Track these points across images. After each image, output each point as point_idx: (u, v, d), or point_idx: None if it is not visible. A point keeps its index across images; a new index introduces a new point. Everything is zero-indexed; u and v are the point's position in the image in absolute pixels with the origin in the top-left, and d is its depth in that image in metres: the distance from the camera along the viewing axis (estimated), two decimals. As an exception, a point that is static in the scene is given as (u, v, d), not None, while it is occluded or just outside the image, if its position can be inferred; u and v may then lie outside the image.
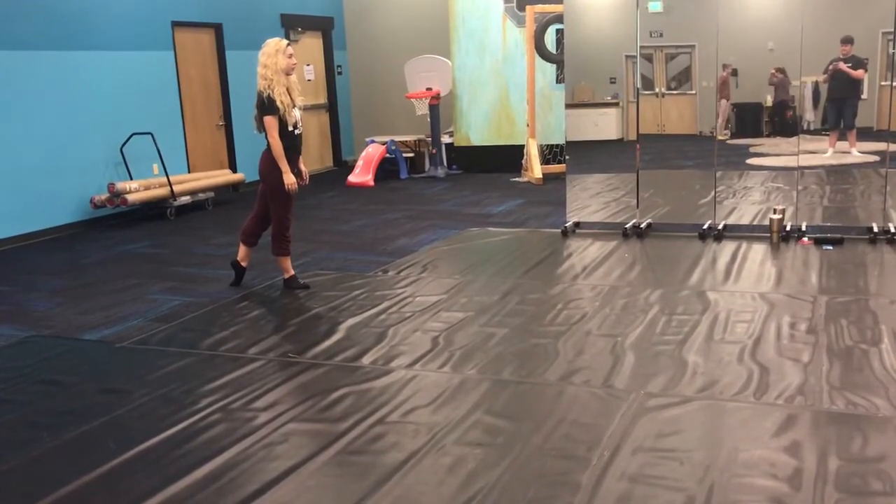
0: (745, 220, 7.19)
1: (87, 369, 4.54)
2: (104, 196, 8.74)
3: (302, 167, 5.79)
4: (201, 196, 9.68)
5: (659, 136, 7.69)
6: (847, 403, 3.55)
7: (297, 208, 6.14)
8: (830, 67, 6.92)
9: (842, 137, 7.10)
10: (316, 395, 3.94)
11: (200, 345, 4.78)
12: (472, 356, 4.36)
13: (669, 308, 5.01)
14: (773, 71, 7.05)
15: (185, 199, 9.41)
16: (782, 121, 7.21)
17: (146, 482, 3.15)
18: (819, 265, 5.91)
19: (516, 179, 10.88)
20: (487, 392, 3.88)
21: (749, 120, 7.42)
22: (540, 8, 10.31)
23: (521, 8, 10.88)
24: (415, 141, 12.37)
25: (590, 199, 7.86)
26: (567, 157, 7.89)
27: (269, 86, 5.45)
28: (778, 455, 3.12)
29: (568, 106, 7.85)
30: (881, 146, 6.83)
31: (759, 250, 6.42)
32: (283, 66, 5.48)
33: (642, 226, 7.22)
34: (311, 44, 12.83)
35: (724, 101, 7.25)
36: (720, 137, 7.26)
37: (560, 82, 10.33)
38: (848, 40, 6.82)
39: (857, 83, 6.93)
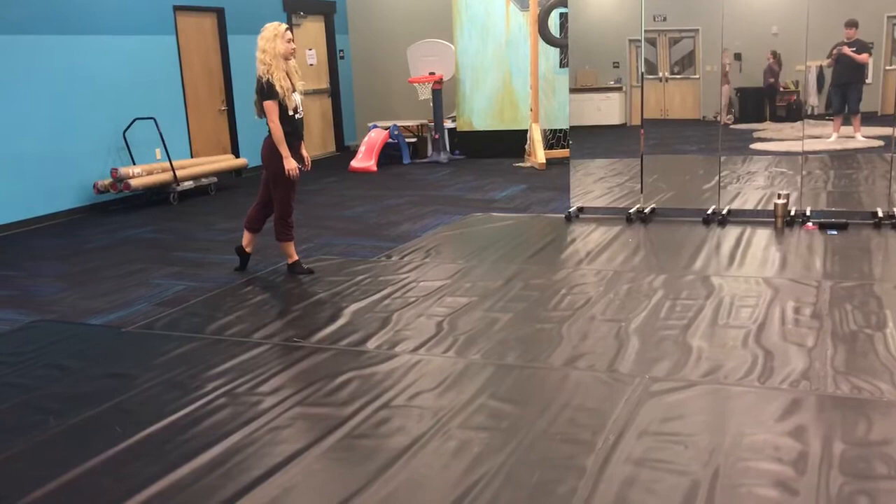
0: (750, 205, 7.17)
1: (92, 354, 4.55)
2: (107, 181, 8.74)
3: (304, 153, 5.79)
4: (204, 181, 9.68)
5: (662, 120, 7.66)
6: (852, 388, 3.56)
7: (300, 194, 6.14)
8: (834, 52, 6.89)
9: (846, 122, 7.07)
10: (321, 379, 3.94)
11: (205, 329, 4.79)
12: (476, 341, 4.36)
13: (674, 293, 5.01)
14: (769, 54, 7.04)
15: (188, 184, 9.41)
16: (771, 105, 7.22)
17: (152, 466, 3.16)
18: (823, 250, 5.90)
19: (519, 164, 10.86)
20: (492, 377, 3.88)
21: (753, 105, 7.39)
22: (543, -8, 10.26)
23: (525, -8, 10.84)
24: (417, 126, 12.34)
25: (593, 184, 7.85)
26: (570, 142, 7.87)
27: (268, 70, 5.43)
28: (783, 439, 3.12)
29: (571, 90, 7.82)
30: (886, 131, 6.80)
31: (763, 235, 6.41)
32: (281, 51, 5.45)
33: (646, 211, 7.21)
34: (314, 28, 12.78)
35: (725, 87, 7.22)
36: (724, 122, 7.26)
37: (563, 67, 10.30)
38: (852, 24, 6.79)
39: (862, 67, 6.90)
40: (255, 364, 4.19)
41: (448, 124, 11.90)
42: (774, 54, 7.05)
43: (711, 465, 2.95)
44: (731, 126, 7.33)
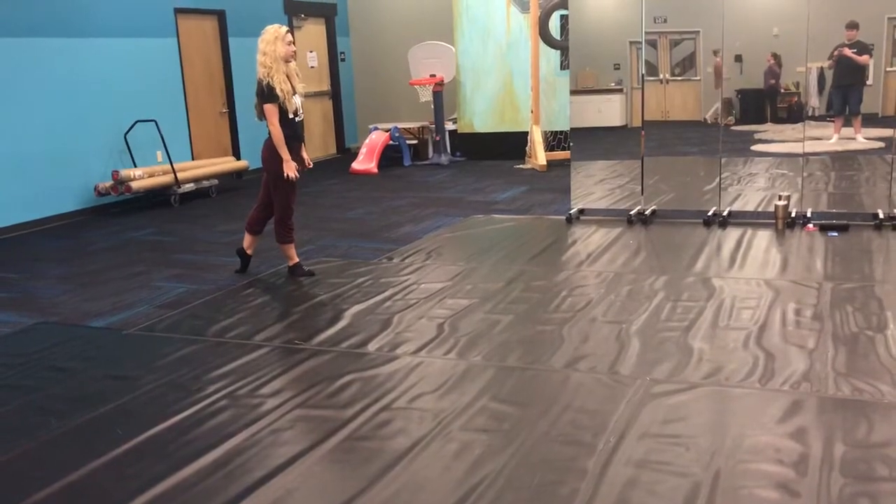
0: (750, 207, 7.18)
1: (94, 356, 4.55)
2: (108, 184, 8.75)
3: (304, 155, 5.79)
4: (205, 183, 9.69)
5: (663, 122, 7.67)
6: (852, 389, 3.56)
7: (301, 196, 6.15)
8: (835, 53, 6.89)
9: (847, 124, 7.08)
10: (322, 381, 3.95)
11: (207, 332, 4.80)
12: (477, 343, 4.37)
13: (674, 294, 5.02)
14: (769, 56, 7.06)
15: (189, 186, 9.42)
16: (772, 106, 7.24)
17: (154, 468, 3.17)
18: (824, 251, 5.90)
19: (520, 166, 10.87)
20: (493, 378, 3.89)
21: (754, 106, 7.40)
22: (544, -6, 10.27)
23: (525, -6, 10.85)
24: (418, 128, 12.35)
25: (594, 185, 7.86)
26: (571, 144, 7.88)
27: (268, 73, 5.43)
28: (783, 441, 3.12)
29: (572, 92, 7.83)
30: (886, 132, 6.81)
31: (764, 237, 6.41)
32: (282, 54, 5.45)
33: (647, 212, 7.22)
34: (314, 30, 12.80)
35: (718, 90, 7.23)
36: (709, 122, 7.30)
37: (564, 69, 10.31)
38: (853, 25, 6.80)
39: (862, 69, 6.91)
40: (257, 366, 4.19)
41: (449, 126, 11.91)
42: (774, 56, 7.06)
43: (712, 467, 2.95)
44: (732, 127, 7.34)
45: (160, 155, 9.43)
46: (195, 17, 10.33)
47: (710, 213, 7.00)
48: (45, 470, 3.21)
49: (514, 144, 11.18)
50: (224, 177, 10.19)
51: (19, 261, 6.93)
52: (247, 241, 6.03)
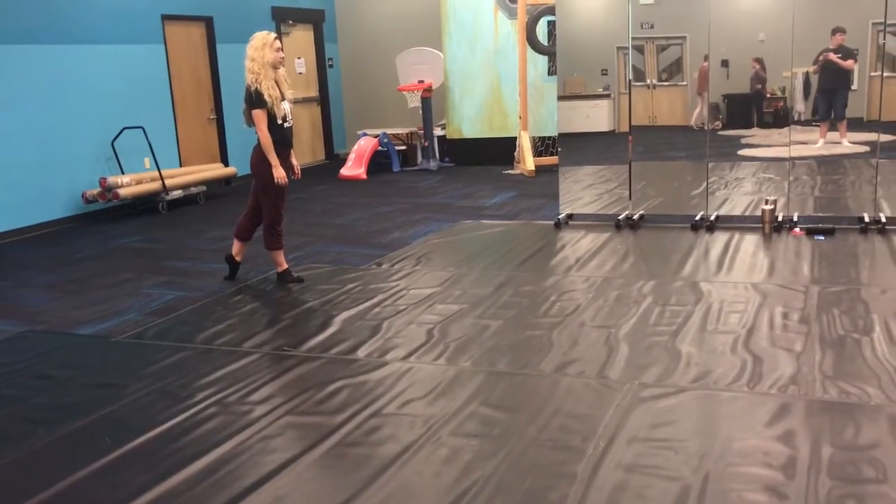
0: (737, 211, 7.21)
1: (81, 364, 4.53)
2: (96, 191, 8.72)
3: (293, 161, 5.80)
4: (193, 190, 9.67)
5: (650, 127, 7.70)
6: (839, 392, 3.58)
7: (290, 202, 6.14)
8: (820, 58, 6.94)
9: (832, 128, 7.12)
10: (311, 387, 3.94)
11: (195, 339, 4.78)
12: (466, 348, 4.37)
13: (663, 299, 5.03)
14: (752, 61, 7.11)
15: (177, 193, 9.40)
16: (758, 111, 7.29)
17: (143, 476, 3.16)
18: (811, 255, 5.93)
19: (509, 172, 10.89)
20: (482, 384, 3.89)
21: (740, 111, 7.44)
22: (531, -1, 10.31)
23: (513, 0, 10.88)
24: (407, 134, 12.36)
25: (582, 191, 7.88)
26: (559, 149, 7.90)
27: (256, 79, 5.44)
28: (772, 444, 3.14)
29: (560, 98, 7.85)
30: (871, 136, 6.86)
31: (751, 241, 6.44)
32: (270, 60, 5.46)
33: (635, 217, 7.24)
34: (302, 36, 12.79)
35: (702, 96, 7.27)
36: (696, 128, 7.35)
37: (552, 74, 10.34)
38: (840, 30, 6.85)
39: (847, 74, 6.96)
40: (246, 373, 4.19)
41: (437, 132, 11.93)
42: (759, 61, 7.10)
43: (701, 471, 2.96)
44: (719, 132, 7.37)
45: (148, 162, 9.41)
46: (183, 24, 10.31)
47: (697, 218, 7.02)
48: (33, 480, 3.19)
49: (502, 150, 11.20)
50: (212, 183, 10.17)
51: (5, 268, 6.89)
52: (235, 247, 6.02)
